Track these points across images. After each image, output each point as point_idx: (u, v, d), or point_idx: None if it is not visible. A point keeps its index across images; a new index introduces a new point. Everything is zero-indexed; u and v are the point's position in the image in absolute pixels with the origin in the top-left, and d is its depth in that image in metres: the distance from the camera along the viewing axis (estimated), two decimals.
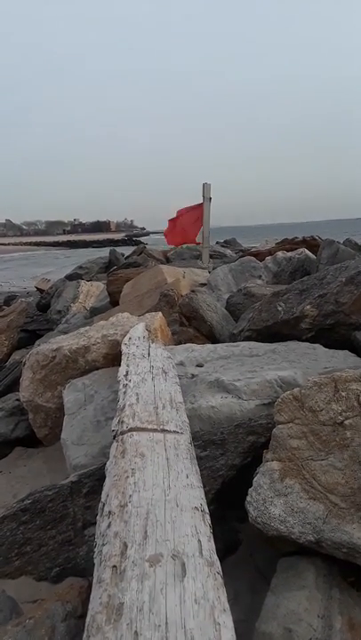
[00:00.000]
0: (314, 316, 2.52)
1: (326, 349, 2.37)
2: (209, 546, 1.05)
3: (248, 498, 1.43)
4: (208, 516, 1.18)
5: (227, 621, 0.89)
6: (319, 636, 1.13)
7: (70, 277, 8.98)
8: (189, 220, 6.76)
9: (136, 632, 0.82)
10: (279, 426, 1.51)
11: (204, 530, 1.10)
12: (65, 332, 4.08)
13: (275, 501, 1.37)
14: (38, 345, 3.72)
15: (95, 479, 1.63)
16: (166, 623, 0.84)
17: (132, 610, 0.86)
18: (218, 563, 1.02)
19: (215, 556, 1.03)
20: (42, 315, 6.61)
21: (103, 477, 1.38)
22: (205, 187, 6.48)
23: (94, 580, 0.97)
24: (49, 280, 10.01)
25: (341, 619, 1.19)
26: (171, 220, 7.13)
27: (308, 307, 2.54)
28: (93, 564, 1.06)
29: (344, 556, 1.27)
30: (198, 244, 6.91)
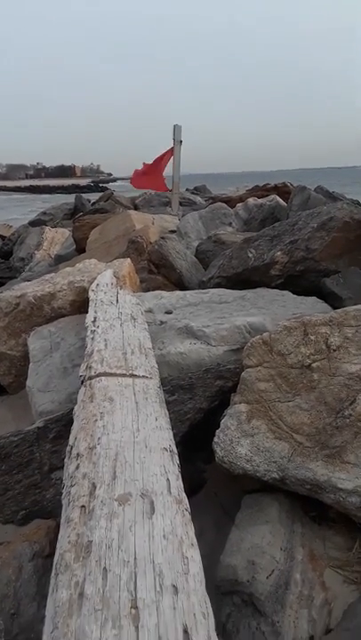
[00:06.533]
0: (284, 263, 2.50)
1: (295, 296, 2.38)
2: (177, 484, 1.06)
3: (215, 439, 1.45)
4: (177, 457, 1.19)
5: (194, 555, 0.90)
6: (282, 567, 1.19)
7: (33, 224, 8.61)
8: (159, 166, 6.50)
9: (105, 568, 0.83)
10: (248, 369, 1.52)
11: (173, 469, 1.11)
12: (28, 280, 3.95)
13: (241, 441, 1.40)
14: (1, 292, 3.59)
15: (62, 424, 1.61)
16: (135, 559, 0.85)
17: (100, 547, 0.87)
18: (186, 500, 1.03)
19: (183, 494, 1.05)
20: (4, 262, 6.38)
21: (70, 423, 1.36)
22: (176, 128, 6.19)
23: (62, 520, 0.97)
24: (11, 226, 9.60)
25: (303, 551, 1.25)
26: (144, 167, 6.80)
27: (278, 253, 2.52)
28: (61, 507, 1.06)
29: (307, 492, 1.32)
30: (168, 190, 6.69)
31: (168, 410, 1.48)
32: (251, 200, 4.66)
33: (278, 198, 4.53)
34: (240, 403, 1.49)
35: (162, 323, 2.22)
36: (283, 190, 5.61)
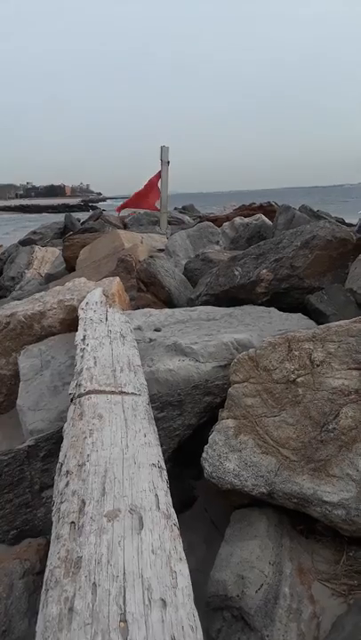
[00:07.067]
0: (270, 280, 2.56)
1: (281, 313, 2.43)
2: (166, 499, 1.08)
3: (204, 454, 1.47)
4: (165, 472, 1.20)
5: (183, 569, 0.92)
6: (270, 581, 1.20)
7: (24, 243, 8.64)
8: (148, 188, 6.65)
9: (94, 583, 0.84)
10: (235, 385, 1.55)
11: (162, 485, 1.13)
12: (19, 299, 3.97)
13: (229, 456, 1.42)
14: None
15: (52, 443, 1.62)
16: (124, 573, 0.87)
17: (90, 563, 0.88)
18: (174, 515, 1.05)
19: (172, 509, 1.06)
20: None
21: (60, 441, 1.37)
22: (163, 150, 6.33)
23: (52, 537, 0.98)
24: (0, 245, 9.62)
25: (291, 564, 1.27)
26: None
27: (264, 271, 2.58)
28: (51, 525, 1.07)
29: (294, 506, 1.34)
30: (157, 209, 6.82)
31: (157, 426, 1.50)
32: (237, 219, 4.75)
33: (264, 217, 4.63)
34: (228, 418, 1.51)
35: (151, 340, 2.25)
36: (268, 209, 5.73)
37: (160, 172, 6.43)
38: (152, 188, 6.60)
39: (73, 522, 0.98)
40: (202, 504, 1.69)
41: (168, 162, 6.32)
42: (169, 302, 3.34)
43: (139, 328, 2.41)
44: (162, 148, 6.34)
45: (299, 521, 1.40)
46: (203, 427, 1.68)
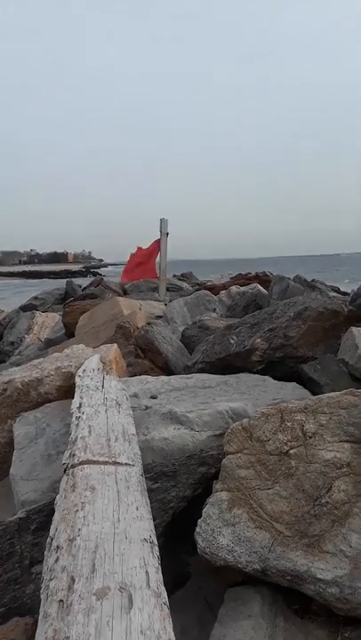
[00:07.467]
0: (264, 349, 2.62)
1: (276, 381, 2.46)
2: (156, 577, 1.06)
3: (197, 529, 1.45)
4: (157, 548, 1.19)
5: None
6: None
7: (25, 308, 8.81)
8: (149, 256, 6.94)
9: None
10: (229, 456, 1.56)
11: (153, 561, 1.11)
12: (18, 364, 4.00)
13: (223, 531, 1.40)
14: None
15: (44, 515, 1.60)
16: None
17: None
18: (165, 593, 1.03)
19: (162, 587, 1.05)
20: None
21: (52, 513, 1.36)
22: (163, 222, 6.66)
23: (40, 616, 0.96)
24: (2, 310, 9.79)
25: None
26: (132, 257, 7.26)
27: (258, 340, 2.64)
28: (40, 602, 1.04)
29: (288, 584, 1.31)
30: (157, 277, 7.07)
31: (151, 498, 1.49)
32: (234, 287, 4.91)
33: (260, 286, 4.79)
34: (222, 490, 1.51)
35: (147, 407, 2.26)
36: (264, 279, 5.93)
37: (157, 241, 6.75)
38: (153, 259, 6.90)
39: (61, 600, 0.96)
40: (196, 582, 1.63)
41: (167, 233, 6.63)
42: (166, 369, 3.38)
43: (135, 395, 2.43)
44: (161, 220, 6.68)
45: (293, 600, 1.36)
46: (197, 498, 1.66)
